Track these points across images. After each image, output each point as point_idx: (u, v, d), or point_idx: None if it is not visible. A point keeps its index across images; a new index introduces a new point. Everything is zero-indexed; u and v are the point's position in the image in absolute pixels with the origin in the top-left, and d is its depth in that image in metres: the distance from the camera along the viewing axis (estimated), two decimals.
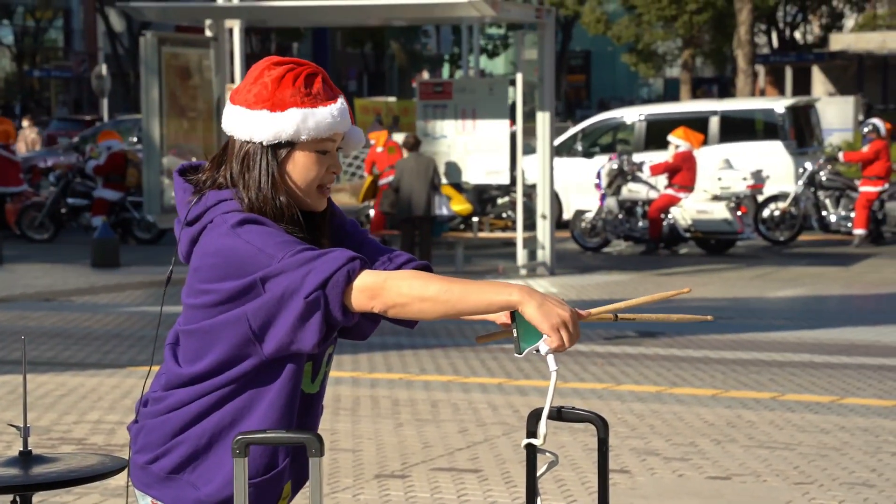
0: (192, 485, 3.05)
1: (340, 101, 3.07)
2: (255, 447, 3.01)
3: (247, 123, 3.03)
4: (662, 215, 18.38)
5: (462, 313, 2.93)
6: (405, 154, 16.45)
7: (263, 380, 3.04)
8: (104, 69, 37.61)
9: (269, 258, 2.92)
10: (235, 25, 16.82)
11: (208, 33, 16.50)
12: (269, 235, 2.96)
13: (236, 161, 3.05)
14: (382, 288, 2.89)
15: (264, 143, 3.03)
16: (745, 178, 18.99)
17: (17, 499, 3.14)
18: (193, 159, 3.39)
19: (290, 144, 3.03)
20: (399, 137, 18.51)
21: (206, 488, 3.04)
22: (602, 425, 3.21)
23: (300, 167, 3.05)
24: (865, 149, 19.28)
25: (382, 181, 18.77)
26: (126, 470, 3.18)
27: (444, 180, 16.85)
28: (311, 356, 3.08)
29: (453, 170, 16.90)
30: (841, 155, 20.29)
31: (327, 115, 3.03)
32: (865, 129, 19.64)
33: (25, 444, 3.19)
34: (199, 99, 16.36)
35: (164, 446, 3.06)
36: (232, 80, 16.79)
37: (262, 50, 49.65)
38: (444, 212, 16.60)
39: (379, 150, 19.37)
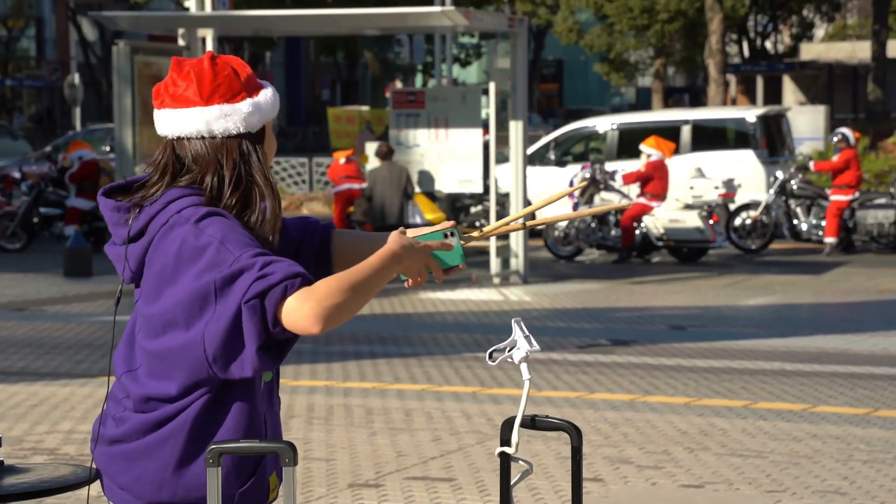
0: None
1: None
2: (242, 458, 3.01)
3: (233, 117, 3.02)
4: (635, 224, 18.42)
5: (373, 294, 2.98)
6: (378, 163, 16.45)
7: (229, 391, 3.03)
8: (77, 78, 37.52)
9: (229, 254, 2.92)
10: (208, 34, 16.80)
11: (181, 42, 16.46)
12: (232, 229, 2.96)
13: (226, 162, 3.02)
14: (317, 312, 2.88)
15: (253, 131, 3.04)
16: (716, 187, 19.04)
17: None
18: None
19: (262, 126, 3.07)
20: (371, 146, 18.55)
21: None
22: (575, 434, 3.21)
23: (269, 144, 3.11)
24: (835, 158, 19.37)
25: (336, 189, 18.89)
26: (95, 480, 3.16)
27: (416, 189, 16.85)
28: None
29: (426, 178, 16.90)
30: (812, 164, 20.38)
31: (271, 95, 3.09)
32: (835, 139, 19.72)
33: None
34: None
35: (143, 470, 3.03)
36: None
37: None
38: (417, 220, 16.61)
39: (342, 161, 19.45)
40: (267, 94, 3.05)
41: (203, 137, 3.03)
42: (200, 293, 2.93)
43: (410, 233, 3.08)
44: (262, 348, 2.91)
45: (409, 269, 2.99)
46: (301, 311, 2.86)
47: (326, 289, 2.88)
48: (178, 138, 3.05)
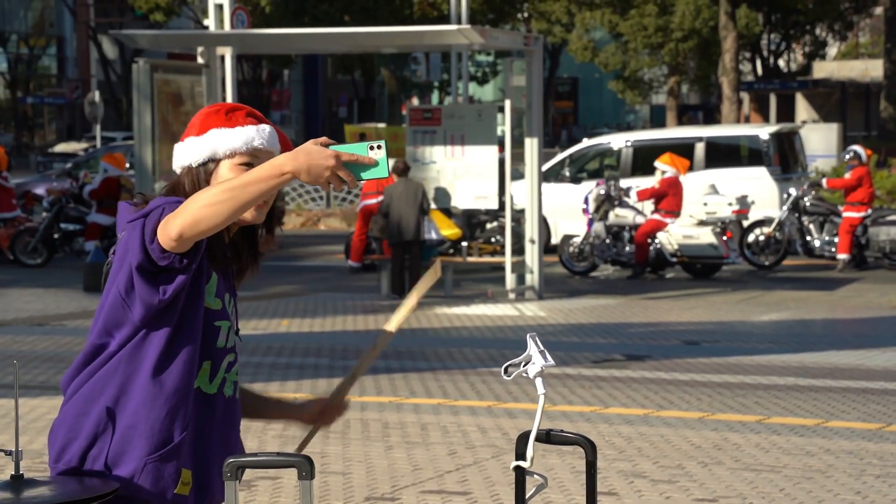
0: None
1: (263, 126, 3.36)
2: (155, 423, 3.18)
3: (181, 153, 3.35)
4: (649, 240, 18.40)
5: (250, 201, 3.08)
6: (395, 179, 16.46)
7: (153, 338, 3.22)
8: (97, 96, 37.63)
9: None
10: (227, 52, 16.85)
11: (200, 60, 16.51)
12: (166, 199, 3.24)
13: (179, 188, 3.35)
14: (175, 214, 3.09)
15: (194, 165, 3.32)
16: (730, 204, 19.01)
17: None
18: None
19: (215, 160, 3.32)
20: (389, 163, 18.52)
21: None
22: (590, 448, 3.21)
23: (223, 179, 3.29)
24: (848, 175, 19.33)
25: (362, 203, 18.90)
26: (115, 492, 3.17)
27: (433, 205, 16.85)
28: (210, 355, 3.25)
29: (442, 195, 16.91)
30: (824, 182, 20.35)
31: (244, 133, 3.32)
32: (847, 157, 19.68)
33: (17, 468, 3.18)
34: None
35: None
36: None
37: (254, 76, 49.69)
38: (433, 236, 16.60)
39: None
40: (213, 135, 3.33)
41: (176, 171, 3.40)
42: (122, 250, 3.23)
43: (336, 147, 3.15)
44: (142, 269, 3.14)
45: (311, 176, 3.05)
46: (168, 221, 3.09)
47: (196, 198, 3.10)
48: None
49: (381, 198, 17.29)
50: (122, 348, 3.22)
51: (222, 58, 16.82)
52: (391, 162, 17.60)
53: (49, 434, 3.30)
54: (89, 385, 3.24)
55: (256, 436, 8.48)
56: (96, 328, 3.29)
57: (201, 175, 3.31)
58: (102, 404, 3.21)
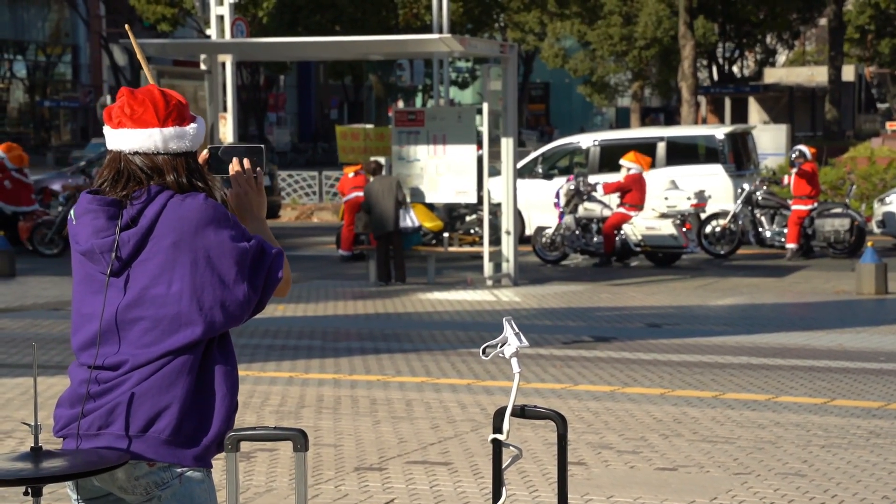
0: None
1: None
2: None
3: (185, 138, 3.22)
4: (615, 231, 18.41)
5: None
6: (370, 179, 16.44)
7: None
8: (108, 99, 37.53)
9: (242, 228, 3.23)
10: (228, 59, 16.80)
11: (203, 67, 16.46)
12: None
13: (181, 169, 3.22)
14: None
15: (194, 150, 3.26)
16: (689, 198, 19.03)
17: (29, 490, 3.12)
18: None
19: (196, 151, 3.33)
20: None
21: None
22: (561, 422, 3.21)
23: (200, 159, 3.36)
24: (794, 171, 19.38)
25: (345, 198, 19.00)
26: (126, 462, 3.15)
27: (408, 198, 16.83)
28: None
29: (419, 192, 16.89)
30: (786, 179, 20.35)
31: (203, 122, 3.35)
32: (794, 156, 19.73)
33: (36, 440, 3.17)
34: None
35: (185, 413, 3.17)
36: (224, 109, 16.75)
37: (252, 82, 49.52)
38: (409, 223, 16.55)
39: (351, 175, 19.51)
40: (202, 122, 3.29)
41: (158, 153, 3.22)
42: (241, 253, 3.15)
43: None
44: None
45: (250, 200, 3.35)
46: (288, 280, 3.28)
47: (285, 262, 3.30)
48: (136, 152, 3.22)
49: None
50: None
51: (223, 64, 16.77)
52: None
53: (131, 405, 3.15)
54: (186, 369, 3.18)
55: (255, 411, 8.47)
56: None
57: (192, 161, 3.26)
58: (196, 380, 3.16)
